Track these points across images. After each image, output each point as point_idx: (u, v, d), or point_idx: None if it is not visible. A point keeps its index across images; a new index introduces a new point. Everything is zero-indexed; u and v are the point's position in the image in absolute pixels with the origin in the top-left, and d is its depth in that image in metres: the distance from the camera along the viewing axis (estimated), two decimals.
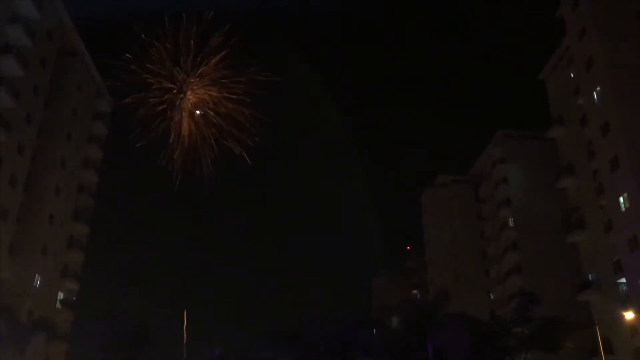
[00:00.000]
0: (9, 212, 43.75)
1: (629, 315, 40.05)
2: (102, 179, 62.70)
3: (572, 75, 52.68)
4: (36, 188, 49.07)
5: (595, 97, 46.09)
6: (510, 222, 66.26)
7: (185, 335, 43.68)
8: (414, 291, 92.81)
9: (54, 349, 48.35)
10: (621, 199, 42.54)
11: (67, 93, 54.46)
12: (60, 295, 54.03)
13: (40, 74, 48.28)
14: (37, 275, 48.49)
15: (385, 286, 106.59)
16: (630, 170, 41.35)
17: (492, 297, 71.80)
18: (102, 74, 61.69)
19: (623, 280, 43.38)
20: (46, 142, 50.71)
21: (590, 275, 49.08)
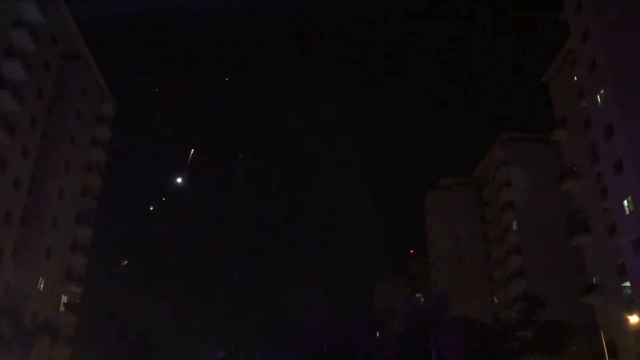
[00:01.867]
0: (13, 215, 43.90)
1: (633, 318, 39.85)
2: (105, 181, 62.94)
3: (575, 77, 52.58)
4: (40, 191, 49.22)
5: (599, 99, 45.98)
6: (514, 225, 66.10)
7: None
8: (417, 294, 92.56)
9: (58, 352, 48.41)
10: (625, 202, 42.36)
11: (71, 96, 54.69)
12: (64, 299, 54.12)
13: (44, 77, 48.47)
14: (40, 278, 48.60)
15: (388, 289, 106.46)
16: (634, 173, 41.18)
17: (496, 300, 71.57)
18: (106, 77, 62.17)
19: (627, 283, 43.16)
20: (50, 145, 50.89)
21: (594, 279, 48.87)
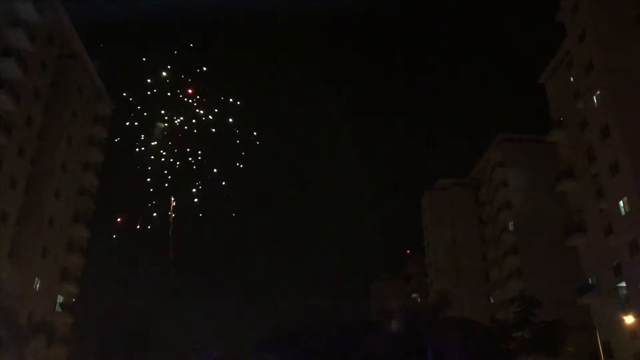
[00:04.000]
0: (9, 214, 43.79)
1: (629, 319, 40.00)
2: (102, 181, 62.82)
3: (571, 79, 52.76)
4: (36, 191, 49.10)
5: (595, 100, 46.15)
6: (511, 226, 66.23)
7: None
8: (414, 295, 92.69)
9: (54, 352, 48.30)
10: (621, 203, 42.52)
11: (68, 96, 54.59)
12: (60, 299, 53.98)
13: (40, 76, 48.37)
14: (36, 278, 48.46)
15: (385, 290, 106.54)
16: (630, 174, 41.34)
17: (492, 301, 71.70)
18: (102, 76, 62.06)
19: (623, 284, 43.34)
20: (46, 145, 50.78)
21: (590, 279, 49.02)
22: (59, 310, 53.18)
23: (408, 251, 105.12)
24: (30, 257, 47.69)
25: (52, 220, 51.11)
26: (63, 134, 53.42)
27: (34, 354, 42.54)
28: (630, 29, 44.91)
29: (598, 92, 45.57)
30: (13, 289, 43.00)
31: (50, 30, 49.72)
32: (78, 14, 54.13)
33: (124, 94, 65.65)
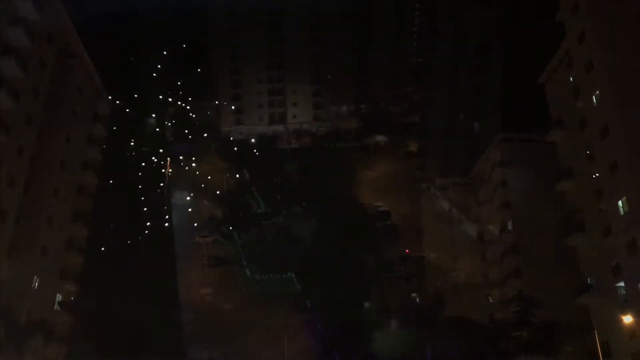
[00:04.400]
0: (7, 213, 43.67)
1: (627, 319, 40.01)
2: (101, 180, 62.76)
3: (571, 78, 52.74)
4: (35, 189, 49.02)
5: (595, 100, 46.14)
6: (510, 226, 66.20)
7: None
8: (414, 294, 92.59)
9: (53, 351, 48.25)
10: (620, 203, 42.52)
11: (67, 95, 54.49)
12: (59, 297, 53.91)
13: (40, 75, 48.29)
14: (35, 277, 48.32)
15: (384, 289, 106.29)
16: (629, 174, 41.35)
17: (491, 301, 71.64)
18: (102, 75, 62.10)
19: (622, 284, 43.33)
20: (45, 144, 50.67)
21: (589, 279, 49.01)
22: (58, 308, 53.09)
23: (407, 251, 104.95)
24: (29, 255, 47.47)
25: (51, 219, 51.00)
26: (62, 132, 53.34)
27: (33, 352, 42.50)
28: (630, 28, 44.87)
29: (597, 91, 45.55)
30: (12, 288, 42.96)
31: (50, 29, 49.64)
32: (78, 12, 54.13)
33: (109, 97, 65.85)
